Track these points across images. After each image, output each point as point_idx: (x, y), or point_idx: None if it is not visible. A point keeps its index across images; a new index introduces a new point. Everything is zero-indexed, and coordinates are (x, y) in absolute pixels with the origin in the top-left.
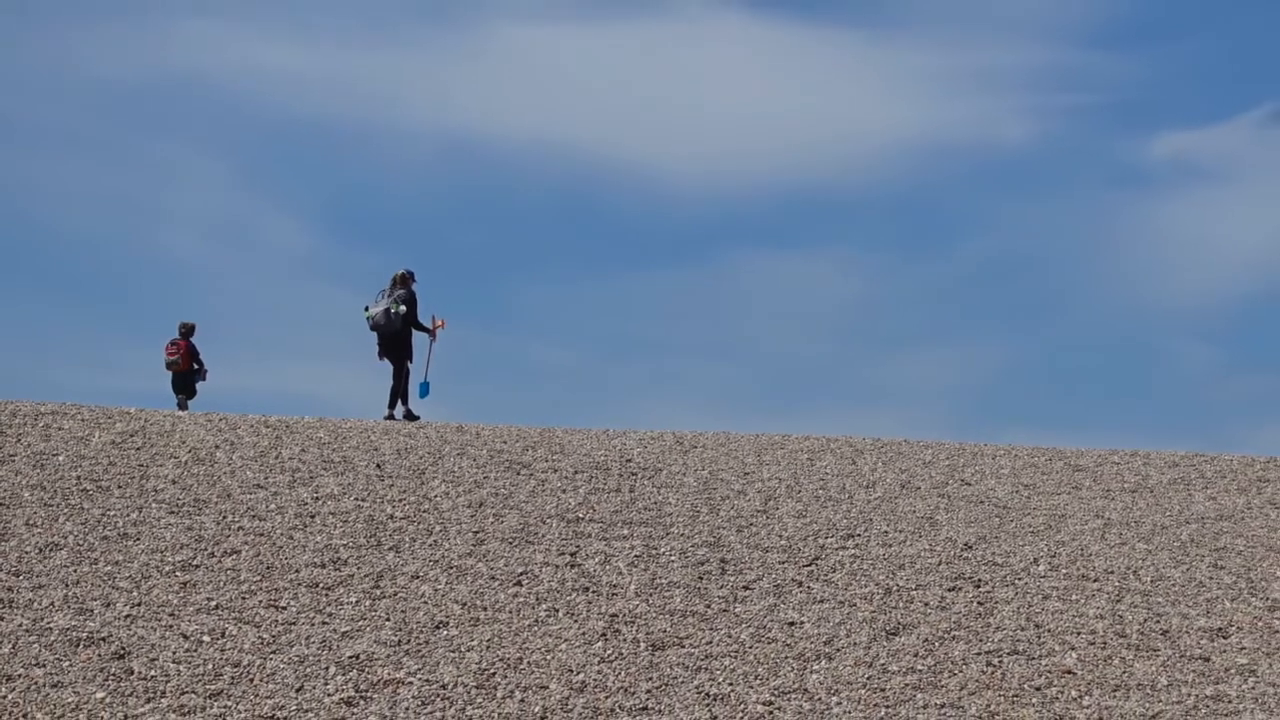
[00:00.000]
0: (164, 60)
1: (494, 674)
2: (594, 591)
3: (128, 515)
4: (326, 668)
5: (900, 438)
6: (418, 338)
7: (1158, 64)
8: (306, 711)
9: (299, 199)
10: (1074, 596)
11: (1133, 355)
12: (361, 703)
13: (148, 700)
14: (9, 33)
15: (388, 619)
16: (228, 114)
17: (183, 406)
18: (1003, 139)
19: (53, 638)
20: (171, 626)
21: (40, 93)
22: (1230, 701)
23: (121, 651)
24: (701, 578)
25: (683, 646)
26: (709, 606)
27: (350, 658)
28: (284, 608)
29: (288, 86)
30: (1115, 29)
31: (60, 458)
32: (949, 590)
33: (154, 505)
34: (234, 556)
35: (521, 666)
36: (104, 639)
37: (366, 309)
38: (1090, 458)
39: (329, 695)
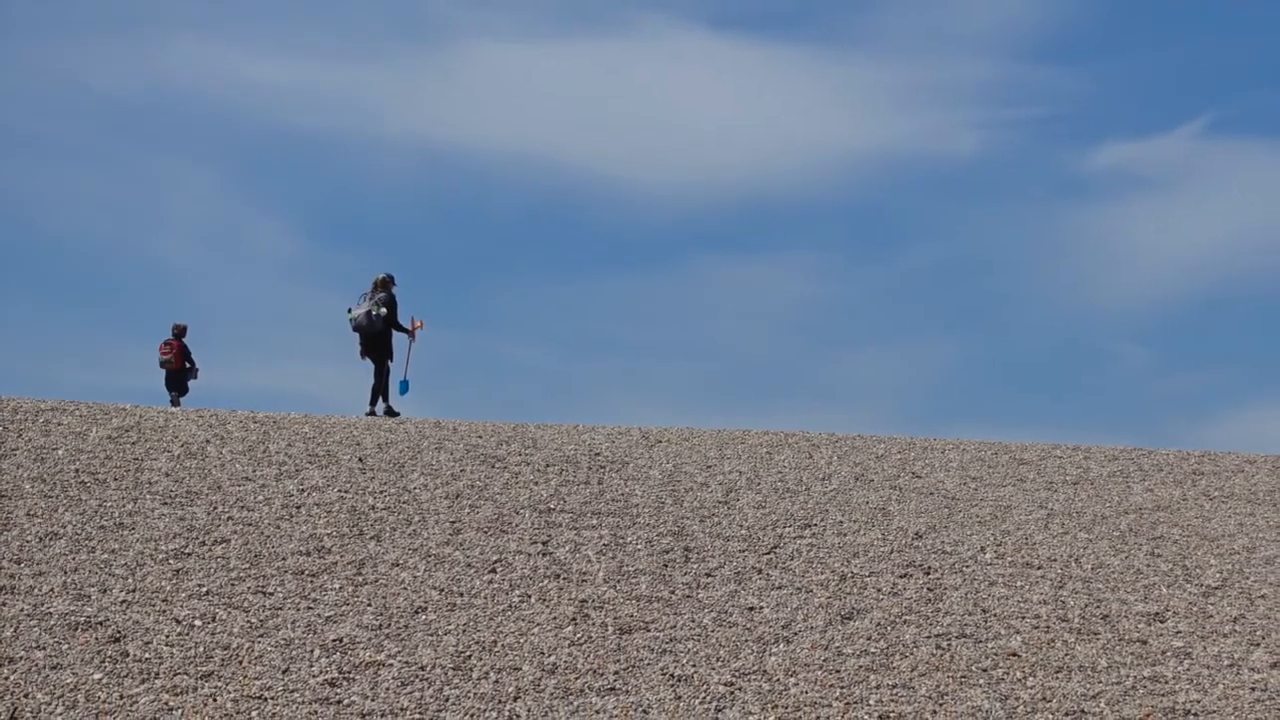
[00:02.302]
0: (159, 75)
1: (470, 656)
2: (564, 578)
3: (123, 506)
4: (311, 650)
5: (854, 433)
6: (398, 338)
7: (1100, 78)
8: (292, 692)
9: (285, 206)
10: (1019, 583)
11: (1075, 355)
12: (344, 683)
13: (142, 681)
14: (14, 49)
15: (369, 604)
16: (218, 126)
17: (175, 403)
18: (953, 150)
19: (52, 622)
20: (165, 611)
21: (44, 106)
22: (1167, 682)
23: (117, 635)
24: (666, 565)
25: (648, 630)
26: (673, 592)
27: (334, 641)
28: (271, 594)
29: (276, 100)
30: (1060, 44)
31: (59, 452)
32: (900, 577)
33: (148, 497)
34: (224, 545)
35: (496, 649)
36: (101, 623)
37: (349, 311)
38: (1034, 451)
39: (314, 676)
